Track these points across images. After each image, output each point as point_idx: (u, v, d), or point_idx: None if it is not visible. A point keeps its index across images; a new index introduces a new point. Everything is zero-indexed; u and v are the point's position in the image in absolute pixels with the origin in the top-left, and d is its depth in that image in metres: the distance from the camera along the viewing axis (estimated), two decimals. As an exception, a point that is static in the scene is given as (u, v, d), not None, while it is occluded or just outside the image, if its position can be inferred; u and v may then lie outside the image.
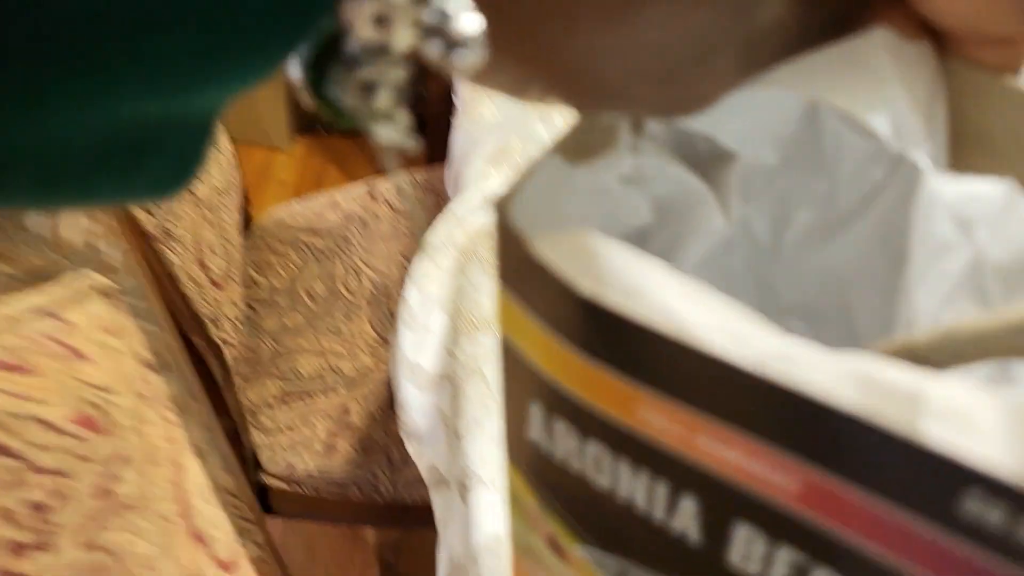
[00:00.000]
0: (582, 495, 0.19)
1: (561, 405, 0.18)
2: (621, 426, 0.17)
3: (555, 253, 0.17)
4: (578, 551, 0.21)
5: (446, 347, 0.66)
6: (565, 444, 0.19)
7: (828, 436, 0.14)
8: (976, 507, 0.12)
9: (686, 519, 0.17)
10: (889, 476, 0.13)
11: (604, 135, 0.19)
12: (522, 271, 0.17)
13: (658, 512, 0.18)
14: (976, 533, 0.13)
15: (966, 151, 0.21)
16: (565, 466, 0.19)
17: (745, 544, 0.17)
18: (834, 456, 0.14)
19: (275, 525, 0.92)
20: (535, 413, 0.19)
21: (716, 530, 0.17)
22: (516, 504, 0.22)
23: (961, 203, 0.19)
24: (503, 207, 0.17)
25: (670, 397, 0.15)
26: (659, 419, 0.16)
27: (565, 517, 0.21)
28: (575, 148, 0.19)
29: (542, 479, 0.20)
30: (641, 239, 0.23)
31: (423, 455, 0.67)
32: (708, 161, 0.22)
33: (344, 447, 0.91)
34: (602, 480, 0.18)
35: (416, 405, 0.67)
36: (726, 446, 0.15)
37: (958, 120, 0.21)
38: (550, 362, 0.17)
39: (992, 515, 0.12)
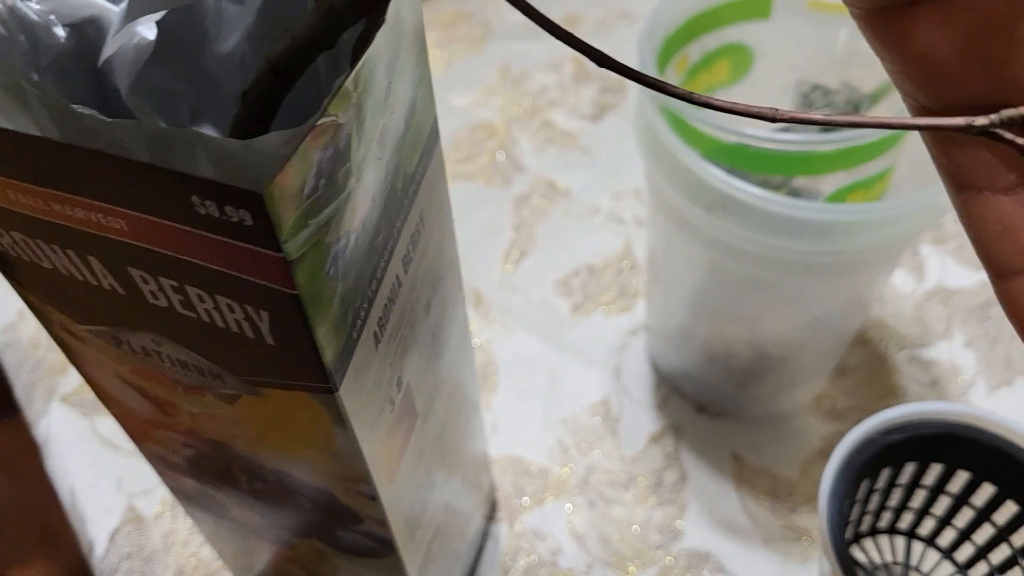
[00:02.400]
0: (46, 279, 0.23)
1: None
2: (8, 208, 0.20)
3: None
4: (83, 330, 0.25)
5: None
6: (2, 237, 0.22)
7: (104, 178, 0.18)
8: (202, 205, 0.17)
9: (103, 276, 0.21)
10: (153, 197, 0.18)
11: None
12: None
13: (88, 276, 0.22)
14: (210, 224, 0.17)
15: None
16: (19, 256, 0.22)
17: (143, 282, 0.21)
18: (118, 194, 0.18)
19: None
20: None
21: (123, 277, 0.21)
22: (27, 302, 0.26)
23: None
24: None
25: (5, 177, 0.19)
26: (21, 197, 0.19)
27: (54, 303, 0.24)
28: None
29: (15, 272, 0.24)
30: (72, 61, 0.25)
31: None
32: None
33: None
34: (45, 263, 0.22)
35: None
36: (68, 207, 0.19)
37: None
38: None
39: (210, 208, 0.17)
